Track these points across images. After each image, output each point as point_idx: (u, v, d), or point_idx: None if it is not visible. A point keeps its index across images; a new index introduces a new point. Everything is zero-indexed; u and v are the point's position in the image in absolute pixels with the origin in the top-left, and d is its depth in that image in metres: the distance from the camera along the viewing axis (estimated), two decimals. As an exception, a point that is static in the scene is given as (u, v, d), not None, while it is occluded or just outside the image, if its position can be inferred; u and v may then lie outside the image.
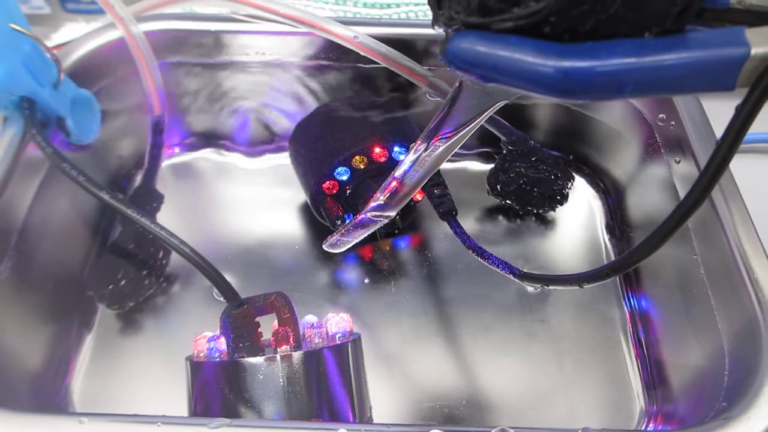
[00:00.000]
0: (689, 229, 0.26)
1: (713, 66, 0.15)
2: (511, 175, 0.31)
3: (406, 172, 0.23)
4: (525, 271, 0.24)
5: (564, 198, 0.31)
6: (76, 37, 0.30)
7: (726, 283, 0.23)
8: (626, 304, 0.30)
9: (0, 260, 0.24)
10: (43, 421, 0.18)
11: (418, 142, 0.22)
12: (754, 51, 0.15)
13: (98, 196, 0.23)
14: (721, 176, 0.17)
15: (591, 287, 0.30)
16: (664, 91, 0.16)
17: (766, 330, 0.20)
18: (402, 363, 0.28)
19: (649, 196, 0.30)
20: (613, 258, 0.31)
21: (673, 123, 0.28)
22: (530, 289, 0.29)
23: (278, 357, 0.22)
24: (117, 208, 0.23)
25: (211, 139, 0.34)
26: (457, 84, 0.20)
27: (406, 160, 0.23)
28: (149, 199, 0.29)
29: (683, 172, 0.27)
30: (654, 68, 0.15)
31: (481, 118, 0.21)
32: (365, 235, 0.26)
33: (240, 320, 0.23)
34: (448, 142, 0.22)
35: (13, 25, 0.24)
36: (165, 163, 0.34)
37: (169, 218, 0.30)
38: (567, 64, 0.15)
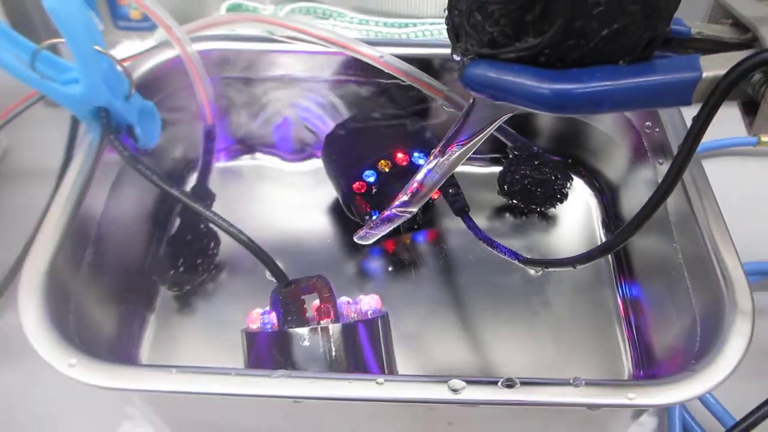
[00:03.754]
0: (671, 222, 0.30)
1: (673, 87, 0.20)
2: (517, 177, 0.35)
3: (426, 175, 0.27)
4: (528, 257, 0.29)
5: (564, 197, 0.36)
6: (135, 53, 0.35)
7: (699, 266, 0.27)
8: (618, 287, 0.34)
9: (85, 248, 0.28)
10: (143, 372, 0.22)
11: (437, 150, 0.27)
12: (705, 74, 0.19)
13: (170, 192, 0.27)
14: (683, 172, 0.21)
15: (588, 274, 0.34)
16: (634, 107, 0.20)
17: (729, 304, 0.24)
18: (421, 340, 0.32)
19: (638, 194, 0.34)
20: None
21: (657, 130, 0.32)
22: (532, 272, 0.33)
23: (320, 328, 0.26)
24: (186, 203, 0.28)
25: (252, 145, 0.39)
26: (471, 100, 0.24)
27: (427, 164, 0.27)
28: (203, 197, 0.33)
29: (660, 169, 0.31)
30: (626, 89, 0.19)
31: (490, 128, 0.25)
32: (390, 228, 0.30)
33: (288, 297, 0.27)
34: (462, 149, 0.26)
35: (96, 47, 0.28)
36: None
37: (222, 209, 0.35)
38: (558, 86, 0.19)
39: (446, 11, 0.22)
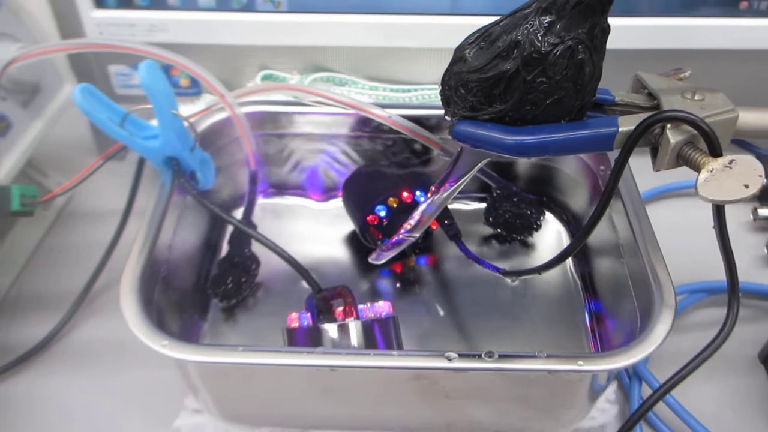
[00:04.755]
0: (621, 247, 0.38)
1: (599, 138, 0.28)
2: (500, 212, 0.44)
3: (425, 209, 0.35)
4: (506, 269, 0.37)
5: (538, 227, 0.44)
6: (195, 113, 0.43)
7: (640, 278, 0.35)
8: (585, 300, 0.42)
9: (160, 266, 0.36)
10: (217, 349, 0.30)
11: (433, 189, 0.35)
12: (621, 129, 0.28)
13: (231, 221, 0.36)
14: (611, 197, 0.29)
15: (563, 292, 0.42)
16: (572, 152, 0.28)
17: (658, 302, 0.32)
18: (424, 339, 0.40)
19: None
20: (574, 270, 0.43)
21: (608, 172, 0.40)
22: (509, 281, 0.41)
23: (345, 324, 0.34)
24: (242, 228, 0.36)
25: (283, 188, 0.47)
26: (459, 149, 0.33)
27: (426, 200, 0.35)
28: (248, 227, 0.42)
29: (615, 205, 0.39)
30: (565, 140, 0.28)
31: (473, 171, 0.33)
32: (398, 251, 0.38)
33: (320, 301, 0.35)
34: (453, 188, 0.33)
35: (174, 111, 0.37)
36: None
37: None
38: (518, 138, 0.28)
39: (439, 85, 0.30)
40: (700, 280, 0.45)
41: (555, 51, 0.25)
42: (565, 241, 0.46)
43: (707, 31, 0.50)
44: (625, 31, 0.49)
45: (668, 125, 0.27)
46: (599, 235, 0.42)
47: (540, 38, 0.25)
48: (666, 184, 0.53)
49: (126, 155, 0.45)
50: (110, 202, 0.48)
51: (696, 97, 0.28)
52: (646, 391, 0.39)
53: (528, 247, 0.45)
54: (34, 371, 0.42)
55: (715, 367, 0.41)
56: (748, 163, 0.25)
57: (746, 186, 0.25)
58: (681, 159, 0.27)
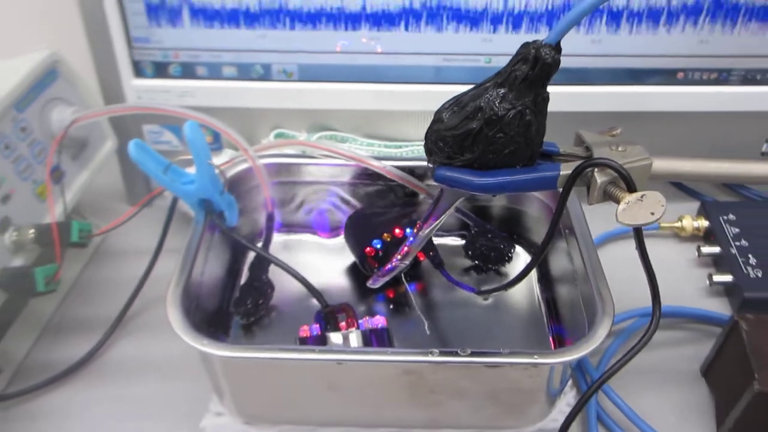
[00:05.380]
0: (575, 273, 0.46)
1: (545, 180, 0.36)
2: (477, 246, 0.52)
3: (411, 241, 0.43)
4: (480, 289, 0.45)
5: (510, 259, 0.52)
6: (222, 163, 0.51)
7: (589, 298, 0.42)
8: (547, 320, 0.49)
9: (194, 288, 0.43)
10: (244, 348, 0.37)
11: (418, 225, 0.43)
12: (561, 173, 0.36)
13: (254, 249, 0.44)
14: (554, 231, 0.37)
15: (530, 314, 0.50)
16: (525, 190, 0.37)
17: (600, 313, 0.40)
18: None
19: (557, 256, 0.50)
20: (540, 295, 0.51)
21: (564, 212, 0.49)
22: (484, 301, 0.49)
23: (348, 334, 0.42)
24: (265, 255, 0.44)
25: (295, 226, 0.56)
26: (440, 190, 0.41)
27: (412, 234, 0.43)
28: (267, 259, 0.49)
29: (571, 243, 0.47)
30: (519, 181, 0.36)
31: (451, 209, 0.41)
32: (391, 276, 0.45)
33: (327, 315, 0.43)
34: (435, 224, 0.41)
35: (209, 162, 0.45)
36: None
37: (277, 269, 0.50)
38: (483, 180, 0.36)
39: (423, 140, 0.39)
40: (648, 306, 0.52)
41: (509, 114, 0.34)
42: (533, 270, 0.53)
43: (651, 97, 0.59)
44: (582, 97, 0.58)
45: (596, 169, 0.35)
46: (559, 266, 0.50)
47: (497, 105, 0.34)
48: (623, 228, 0.61)
49: (153, 202, 0.53)
50: (137, 242, 0.56)
51: (620, 149, 0.37)
52: (603, 400, 0.47)
53: (501, 275, 0.53)
54: (74, 385, 0.48)
55: (663, 379, 0.49)
56: (654, 197, 0.33)
57: (652, 213, 0.33)
58: (606, 195, 0.35)
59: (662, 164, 0.37)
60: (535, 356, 0.37)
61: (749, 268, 0.55)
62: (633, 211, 0.33)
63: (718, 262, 0.58)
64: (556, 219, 0.37)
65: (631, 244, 0.61)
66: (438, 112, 0.36)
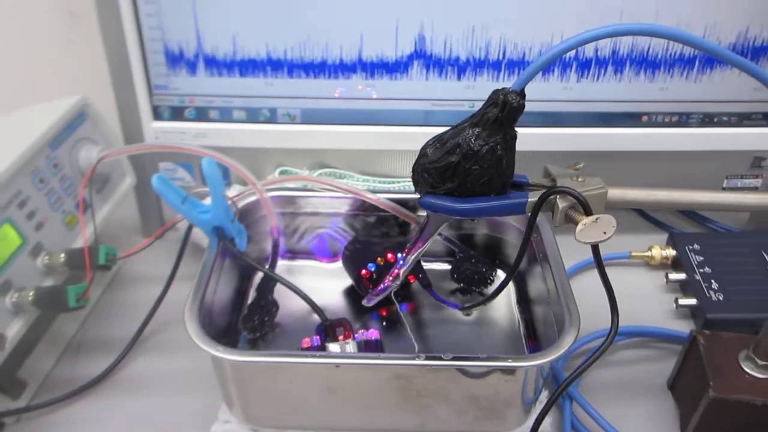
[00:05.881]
0: (549, 293, 0.51)
1: (515, 206, 0.42)
2: (462, 269, 0.57)
3: (401, 264, 0.49)
4: (463, 305, 0.50)
5: (491, 281, 0.58)
6: (234, 195, 0.57)
7: (560, 316, 0.47)
8: (524, 337, 0.55)
9: (206, 306, 0.49)
10: (255, 353, 0.42)
11: (407, 250, 0.48)
12: (529, 200, 0.42)
13: (262, 270, 0.49)
14: (525, 248, 0.43)
15: (507, 327, 0.55)
16: (497, 215, 0.42)
17: (568, 324, 0.45)
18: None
19: (533, 280, 0.55)
20: (519, 315, 0.56)
21: (539, 239, 0.54)
22: (466, 318, 0.54)
23: (345, 344, 0.47)
24: (272, 275, 0.49)
25: (297, 252, 0.61)
26: (426, 217, 0.47)
27: (402, 258, 0.48)
28: (272, 280, 0.55)
29: (546, 269, 0.53)
30: (492, 207, 0.42)
31: (435, 233, 0.47)
32: (384, 296, 0.51)
33: (326, 328, 0.48)
34: (421, 248, 0.47)
35: (224, 194, 0.51)
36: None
37: (281, 290, 0.55)
38: (462, 206, 0.42)
39: (411, 173, 0.45)
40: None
41: (482, 149, 0.40)
42: (512, 292, 0.59)
43: (619, 138, 0.65)
44: (557, 138, 0.64)
45: (558, 196, 0.41)
46: (535, 289, 0.55)
47: (473, 141, 0.40)
48: (604, 255, 0.67)
49: (165, 235, 0.59)
50: (151, 270, 0.62)
51: (580, 180, 0.43)
52: (578, 411, 0.51)
53: (484, 296, 0.58)
54: (94, 398, 0.52)
55: (633, 393, 0.54)
56: (607, 219, 0.39)
57: (605, 233, 0.39)
58: (567, 218, 0.41)
59: (616, 192, 0.43)
60: (509, 360, 0.42)
61: (711, 292, 0.60)
62: (589, 231, 0.39)
63: (684, 288, 0.63)
64: (527, 237, 0.43)
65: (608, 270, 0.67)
66: (423, 148, 0.42)
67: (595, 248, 0.41)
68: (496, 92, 0.39)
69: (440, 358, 0.42)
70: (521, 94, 0.39)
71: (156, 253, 0.59)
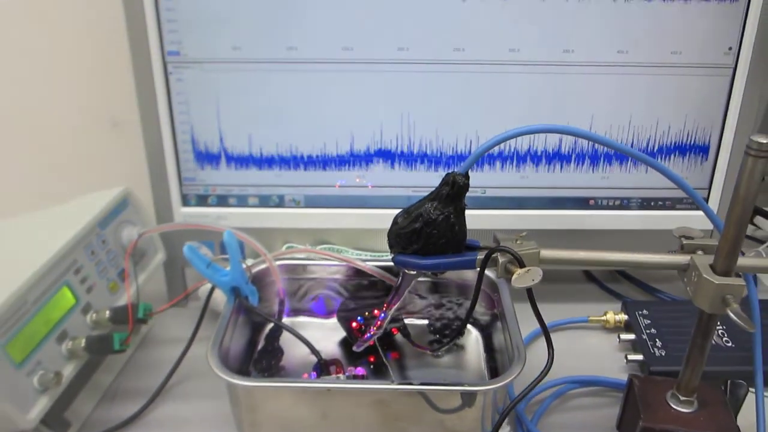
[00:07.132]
0: (506, 343, 0.62)
1: (467, 261, 0.53)
2: (436, 326, 0.68)
3: (383, 316, 0.60)
4: (433, 347, 0.61)
5: (461, 334, 0.68)
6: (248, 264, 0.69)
7: (512, 356, 0.58)
8: (487, 371, 0.65)
9: (224, 352, 0.60)
10: (264, 380, 0.53)
11: (386, 305, 0.60)
12: (478, 257, 0.54)
13: (271, 320, 0.60)
14: (477, 297, 0.54)
15: (474, 366, 0.65)
16: (454, 269, 0.54)
17: (516, 360, 0.56)
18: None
19: (496, 333, 0.66)
20: (486, 363, 0.67)
21: (498, 298, 0.66)
22: (434, 357, 0.65)
23: (337, 377, 0.57)
24: (279, 324, 0.60)
25: (300, 311, 0.72)
26: (401, 275, 0.58)
27: (382, 311, 0.60)
28: (280, 333, 0.66)
29: (503, 320, 0.64)
30: (450, 262, 0.53)
31: (410, 287, 0.58)
32: (370, 342, 0.62)
33: (321, 366, 0.58)
34: (398, 302, 0.59)
35: (241, 260, 0.63)
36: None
37: (285, 339, 0.66)
38: (426, 261, 0.53)
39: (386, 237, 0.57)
40: (572, 375, 0.68)
41: (439, 218, 0.52)
42: (480, 341, 0.69)
43: (569, 219, 0.76)
44: (516, 218, 0.75)
45: (499, 254, 0.53)
46: (498, 340, 0.66)
47: (432, 212, 0.52)
48: (564, 319, 0.77)
49: (187, 303, 0.71)
50: (175, 332, 0.72)
51: (518, 242, 0.55)
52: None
53: (457, 347, 0.69)
54: (125, 437, 0.63)
55: (586, 433, 0.63)
56: (535, 270, 0.51)
57: (533, 280, 0.50)
58: (506, 271, 0.53)
59: (547, 252, 0.54)
60: (466, 385, 0.52)
61: (655, 349, 0.70)
62: (521, 279, 0.51)
63: (634, 346, 0.72)
64: (478, 287, 0.54)
65: (563, 335, 0.78)
66: (395, 218, 0.55)
67: (529, 291, 0.52)
68: (447, 175, 0.52)
69: (410, 383, 0.52)
70: (466, 175, 0.52)
71: (181, 318, 0.71)
